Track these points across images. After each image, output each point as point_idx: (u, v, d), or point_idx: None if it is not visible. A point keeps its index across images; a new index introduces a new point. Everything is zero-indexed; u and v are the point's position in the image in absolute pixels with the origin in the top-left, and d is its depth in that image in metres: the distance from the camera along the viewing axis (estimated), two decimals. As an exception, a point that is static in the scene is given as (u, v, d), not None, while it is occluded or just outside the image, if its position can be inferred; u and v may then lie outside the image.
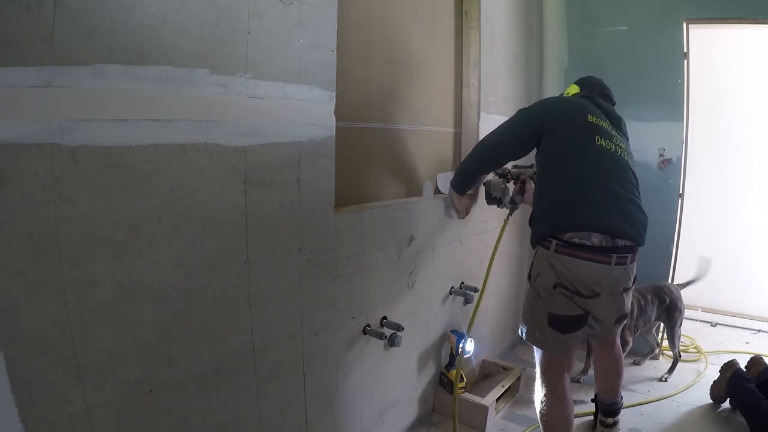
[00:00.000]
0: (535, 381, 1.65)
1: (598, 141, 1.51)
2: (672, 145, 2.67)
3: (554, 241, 1.45)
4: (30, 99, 0.87)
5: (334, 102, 1.48)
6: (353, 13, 1.67)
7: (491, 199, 2.12)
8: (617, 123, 1.69)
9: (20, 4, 0.84)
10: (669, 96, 2.63)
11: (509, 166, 2.05)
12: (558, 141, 1.54)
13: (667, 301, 2.50)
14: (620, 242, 1.43)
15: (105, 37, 0.96)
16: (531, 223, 1.64)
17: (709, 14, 2.54)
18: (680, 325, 2.55)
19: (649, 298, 2.44)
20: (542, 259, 1.50)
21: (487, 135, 1.79)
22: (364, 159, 1.83)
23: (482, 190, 2.15)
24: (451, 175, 2.23)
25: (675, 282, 2.71)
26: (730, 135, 3.37)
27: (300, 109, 1.37)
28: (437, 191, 2.19)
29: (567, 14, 2.93)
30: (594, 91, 1.77)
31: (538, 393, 1.61)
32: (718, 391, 2.21)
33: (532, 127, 1.62)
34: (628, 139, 1.74)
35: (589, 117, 1.56)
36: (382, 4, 1.85)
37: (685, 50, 2.60)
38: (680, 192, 2.69)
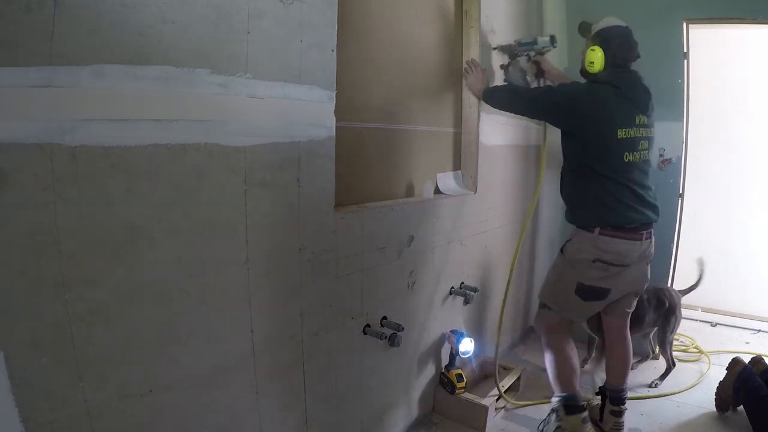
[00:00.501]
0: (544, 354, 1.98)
1: (626, 158, 1.76)
2: (672, 145, 2.67)
3: (597, 228, 1.78)
4: (30, 99, 0.87)
5: (334, 102, 1.48)
6: (353, 13, 1.67)
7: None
8: (645, 106, 1.81)
9: (20, 4, 0.84)
10: (669, 96, 2.63)
11: (514, 43, 2.24)
12: (592, 154, 1.79)
13: (666, 304, 2.45)
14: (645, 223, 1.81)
15: (105, 37, 0.96)
16: (568, 201, 1.94)
17: (709, 14, 2.54)
18: (674, 331, 2.48)
19: (645, 298, 2.34)
20: (584, 240, 1.81)
21: (527, 93, 1.97)
22: (364, 159, 1.83)
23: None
24: (451, 175, 2.24)
25: (677, 287, 2.66)
26: (731, 135, 3.37)
27: (300, 109, 1.37)
28: (437, 191, 2.19)
29: (567, 14, 2.93)
30: (624, 59, 1.81)
31: (549, 357, 1.94)
32: (725, 390, 2.12)
33: (568, 123, 1.83)
34: (653, 112, 1.86)
35: (619, 133, 1.74)
36: (382, 4, 1.85)
37: (685, 50, 2.60)
38: (680, 192, 2.69)
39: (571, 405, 1.92)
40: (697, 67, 2.71)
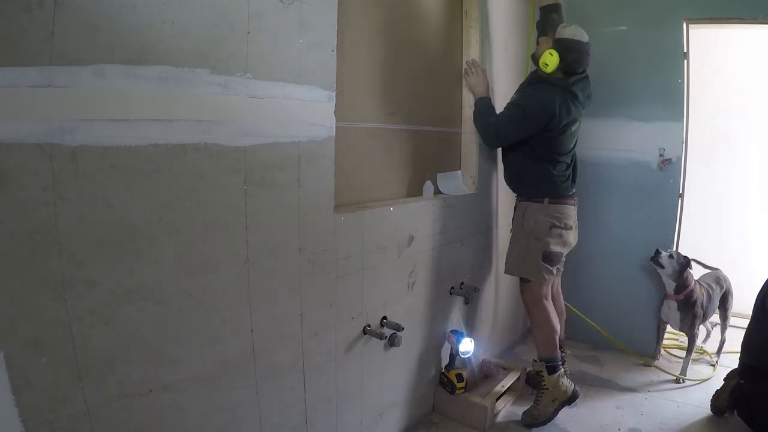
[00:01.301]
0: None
1: (570, 145, 2.16)
2: (672, 145, 2.66)
3: (546, 198, 2.13)
4: (30, 99, 0.87)
5: (334, 102, 1.48)
6: (353, 13, 1.67)
7: None
8: (585, 106, 2.16)
9: (20, 4, 0.84)
10: (669, 96, 2.62)
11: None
12: (546, 141, 2.09)
13: (724, 287, 2.65)
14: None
15: (105, 37, 0.96)
16: (513, 181, 2.26)
17: (709, 14, 2.53)
18: (731, 308, 2.70)
19: (714, 287, 2.57)
20: (535, 211, 2.13)
21: (501, 120, 2.11)
22: (364, 159, 1.83)
23: None
24: (451, 175, 2.24)
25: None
26: (730, 135, 3.37)
27: (300, 109, 1.37)
28: (437, 191, 2.19)
29: (567, 14, 2.93)
30: (573, 71, 2.05)
31: (538, 317, 2.17)
32: (720, 400, 2.14)
33: (535, 130, 2.07)
34: (588, 102, 2.18)
35: (572, 127, 2.10)
36: (382, 4, 1.85)
37: (685, 50, 2.60)
38: (680, 192, 2.69)
39: (552, 365, 2.13)
40: (697, 67, 2.71)
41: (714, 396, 2.18)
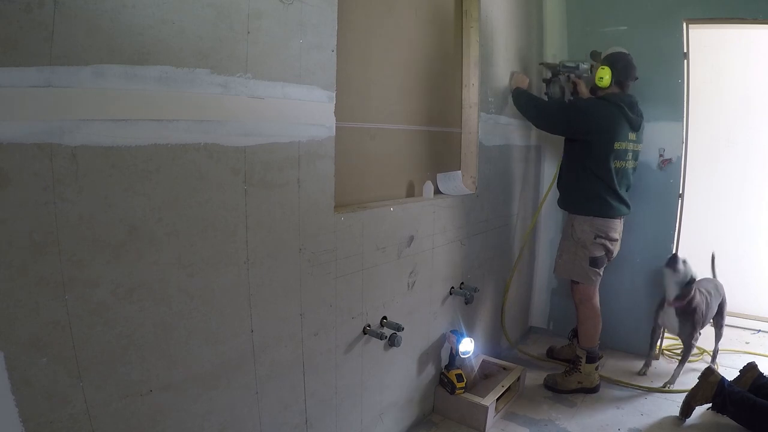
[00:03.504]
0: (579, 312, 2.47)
1: (614, 164, 2.30)
2: (672, 145, 2.67)
3: (591, 216, 2.36)
4: (30, 99, 0.87)
5: (334, 102, 1.48)
6: (353, 12, 1.67)
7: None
8: (638, 125, 2.34)
9: (20, 4, 0.84)
10: (669, 96, 2.63)
11: (559, 63, 2.63)
12: (593, 156, 2.28)
13: (722, 296, 2.62)
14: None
15: (105, 37, 0.95)
16: (566, 196, 2.49)
17: (709, 14, 2.53)
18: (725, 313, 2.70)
19: (712, 293, 2.54)
20: (584, 222, 2.37)
21: (548, 108, 2.43)
22: (364, 159, 1.83)
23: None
24: (451, 175, 2.24)
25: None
26: (731, 135, 3.37)
27: (300, 109, 1.37)
28: (437, 191, 2.19)
29: (567, 14, 2.93)
30: (626, 85, 2.33)
31: (585, 313, 2.44)
32: (696, 400, 2.11)
33: (577, 133, 2.32)
34: (642, 132, 2.39)
35: (616, 145, 2.26)
36: (382, 3, 1.85)
37: (685, 50, 2.60)
38: (680, 192, 2.69)
39: (592, 356, 2.42)
40: (697, 67, 2.71)
41: (689, 396, 2.14)
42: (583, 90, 2.59)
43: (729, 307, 3.07)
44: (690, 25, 2.59)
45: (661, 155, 2.69)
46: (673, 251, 2.71)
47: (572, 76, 2.59)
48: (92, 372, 0.99)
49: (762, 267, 3.35)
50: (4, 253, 0.86)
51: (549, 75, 2.73)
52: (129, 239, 1.03)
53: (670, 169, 2.69)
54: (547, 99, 2.71)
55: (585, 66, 2.54)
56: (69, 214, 0.93)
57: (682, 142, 2.65)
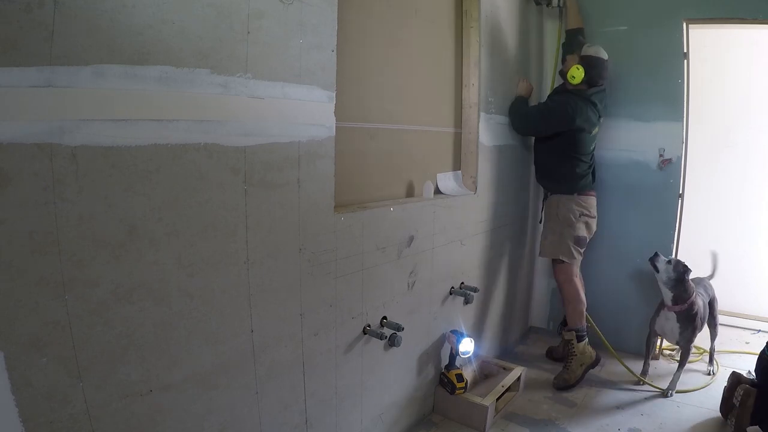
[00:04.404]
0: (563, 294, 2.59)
1: (590, 148, 2.57)
2: (672, 145, 2.66)
3: (575, 192, 2.55)
4: (30, 99, 0.87)
5: (334, 102, 1.48)
6: (354, 12, 1.67)
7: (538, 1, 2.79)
8: (602, 114, 2.57)
9: (20, 4, 0.84)
10: (669, 96, 2.63)
11: None
12: (572, 142, 2.50)
13: (710, 295, 2.58)
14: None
15: (105, 37, 0.95)
16: (544, 178, 2.68)
17: (709, 14, 2.53)
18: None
19: (704, 295, 2.51)
20: (566, 201, 2.55)
21: (531, 111, 2.57)
22: (364, 159, 1.83)
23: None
24: (451, 175, 2.24)
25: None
26: (730, 135, 3.37)
27: (300, 109, 1.37)
28: (437, 191, 2.19)
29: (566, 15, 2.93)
30: (595, 83, 2.47)
31: (570, 293, 2.55)
32: (743, 420, 1.96)
33: (557, 128, 2.49)
34: (605, 110, 2.60)
35: (592, 131, 2.52)
36: (382, 3, 1.85)
37: (685, 50, 2.60)
38: (680, 192, 2.69)
39: (581, 335, 2.50)
40: (697, 67, 2.71)
41: (736, 421, 1.99)
42: (571, 4, 2.70)
43: (729, 307, 3.08)
44: (690, 25, 2.59)
45: (661, 155, 2.69)
46: (673, 253, 2.72)
47: None
48: (92, 372, 0.99)
49: (762, 267, 3.35)
50: (4, 253, 0.86)
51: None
52: (129, 239, 1.03)
53: (670, 169, 2.68)
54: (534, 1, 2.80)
55: None
56: (69, 214, 0.93)
57: (682, 142, 2.65)
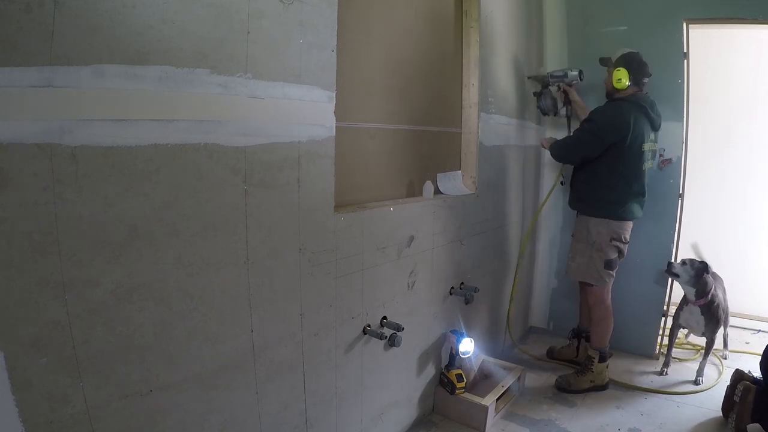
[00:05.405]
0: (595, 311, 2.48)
1: (641, 166, 2.33)
2: (672, 145, 2.67)
3: (608, 218, 2.36)
4: (30, 99, 0.87)
5: (334, 102, 1.48)
6: (354, 12, 1.67)
7: (545, 112, 2.72)
8: (659, 125, 2.38)
9: (20, 4, 0.84)
10: (669, 96, 2.62)
11: (546, 74, 2.67)
12: (617, 158, 2.28)
13: (723, 287, 2.64)
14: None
15: (105, 37, 0.95)
16: (581, 198, 2.46)
17: (709, 14, 2.53)
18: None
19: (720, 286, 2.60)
20: (601, 224, 2.37)
21: (576, 135, 2.38)
22: (364, 159, 1.83)
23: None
24: (451, 175, 2.24)
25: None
26: (731, 135, 3.37)
27: (300, 109, 1.37)
28: (437, 191, 2.19)
29: (567, 14, 2.93)
30: (642, 84, 2.31)
31: (599, 315, 2.46)
32: (743, 419, 1.99)
33: (611, 140, 2.25)
34: (659, 130, 2.41)
35: (643, 146, 2.30)
36: (382, 3, 1.85)
37: (685, 50, 2.60)
38: (680, 192, 2.69)
39: (604, 356, 2.45)
40: (697, 67, 2.71)
41: (737, 420, 2.01)
42: (576, 98, 2.62)
43: (729, 306, 3.07)
44: (690, 25, 2.60)
45: (661, 155, 2.69)
46: (673, 253, 2.72)
47: (562, 85, 2.62)
48: (92, 372, 0.99)
49: (762, 267, 3.35)
50: (4, 253, 0.86)
51: (539, 88, 2.72)
52: (129, 239, 1.03)
53: (670, 169, 2.69)
54: (540, 112, 2.77)
55: (573, 73, 2.57)
56: (69, 214, 0.93)
57: (682, 142, 2.65)
